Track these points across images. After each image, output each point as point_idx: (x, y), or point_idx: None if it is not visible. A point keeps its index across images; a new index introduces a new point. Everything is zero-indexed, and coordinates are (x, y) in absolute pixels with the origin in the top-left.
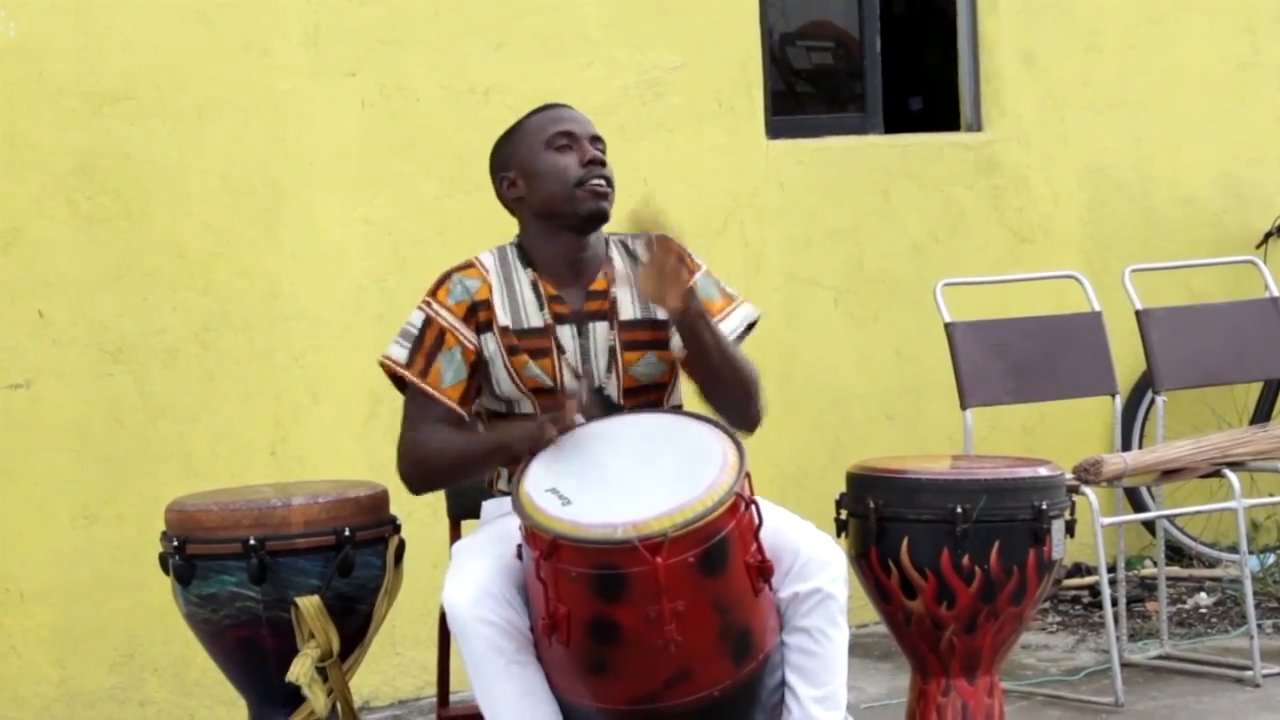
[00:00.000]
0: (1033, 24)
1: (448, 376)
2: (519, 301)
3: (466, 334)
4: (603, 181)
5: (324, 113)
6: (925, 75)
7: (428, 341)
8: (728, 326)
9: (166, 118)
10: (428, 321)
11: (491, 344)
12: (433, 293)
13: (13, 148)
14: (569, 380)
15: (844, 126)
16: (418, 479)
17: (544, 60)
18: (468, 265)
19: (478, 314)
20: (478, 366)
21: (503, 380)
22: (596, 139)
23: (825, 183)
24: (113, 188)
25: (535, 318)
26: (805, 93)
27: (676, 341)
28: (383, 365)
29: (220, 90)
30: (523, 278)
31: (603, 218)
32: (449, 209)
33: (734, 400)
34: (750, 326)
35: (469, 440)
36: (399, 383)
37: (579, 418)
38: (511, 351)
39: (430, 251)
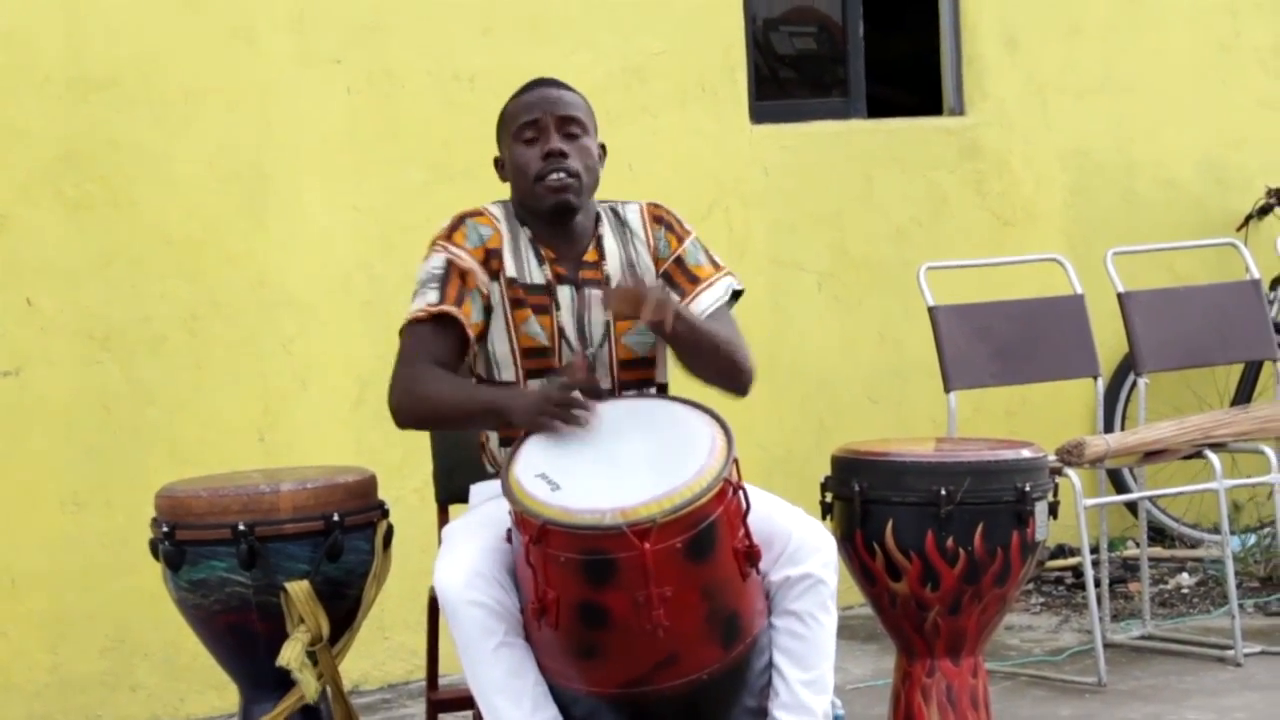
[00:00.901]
0: (1014, 8)
1: (476, 314)
2: (522, 256)
3: (483, 278)
4: (562, 175)
5: (310, 99)
6: (907, 59)
7: (455, 279)
8: (711, 296)
9: (153, 105)
10: (449, 263)
11: (497, 293)
12: (447, 236)
13: None
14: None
15: (827, 111)
16: (408, 413)
17: (529, 46)
18: (478, 212)
19: (490, 261)
20: (487, 314)
21: (498, 336)
22: (566, 120)
23: (809, 167)
24: (99, 175)
25: (537, 274)
26: (789, 78)
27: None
28: (415, 319)
29: (206, 77)
30: (523, 235)
31: (567, 210)
32: (436, 195)
33: (719, 371)
34: (736, 295)
35: (468, 394)
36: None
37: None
38: (515, 305)
39: (417, 238)
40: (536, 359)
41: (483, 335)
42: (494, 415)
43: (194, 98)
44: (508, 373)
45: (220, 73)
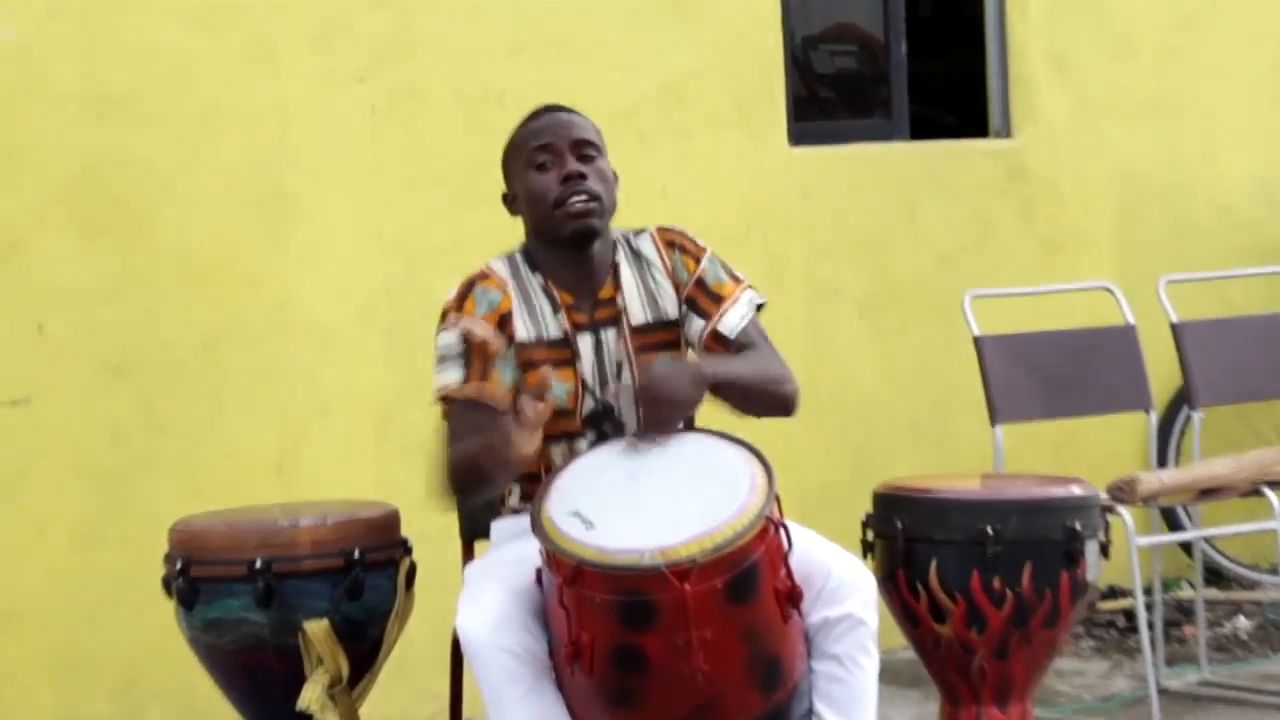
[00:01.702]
0: (1063, 26)
1: (506, 378)
2: (536, 310)
3: (501, 341)
4: (583, 197)
5: (333, 119)
6: (951, 79)
7: (475, 355)
8: (738, 313)
9: (170, 124)
10: (465, 339)
11: (512, 358)
12: (458, 306)
13: (11, 156)
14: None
15: (869, 132)
16: (463, 492)
17: (560, 65)
18: (484, 275)
19: (504, 328)
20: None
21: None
22: (580, 144)
23: (849, 191)
24: (115, 197)
25: (554, 327)
26: (829, 98)
27: (694, 328)
28: (442, 400)
29: (226, 96)
30: (534, 284)
31: (590, 234)
32: (462, 219)
33: (765, 404)
34: (758, 307)
35: (477, 443)
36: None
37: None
38: (526, 367)
39: (443, 262)
40: (555, 420)
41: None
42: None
43: (213, 117)
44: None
45: (240, 91)
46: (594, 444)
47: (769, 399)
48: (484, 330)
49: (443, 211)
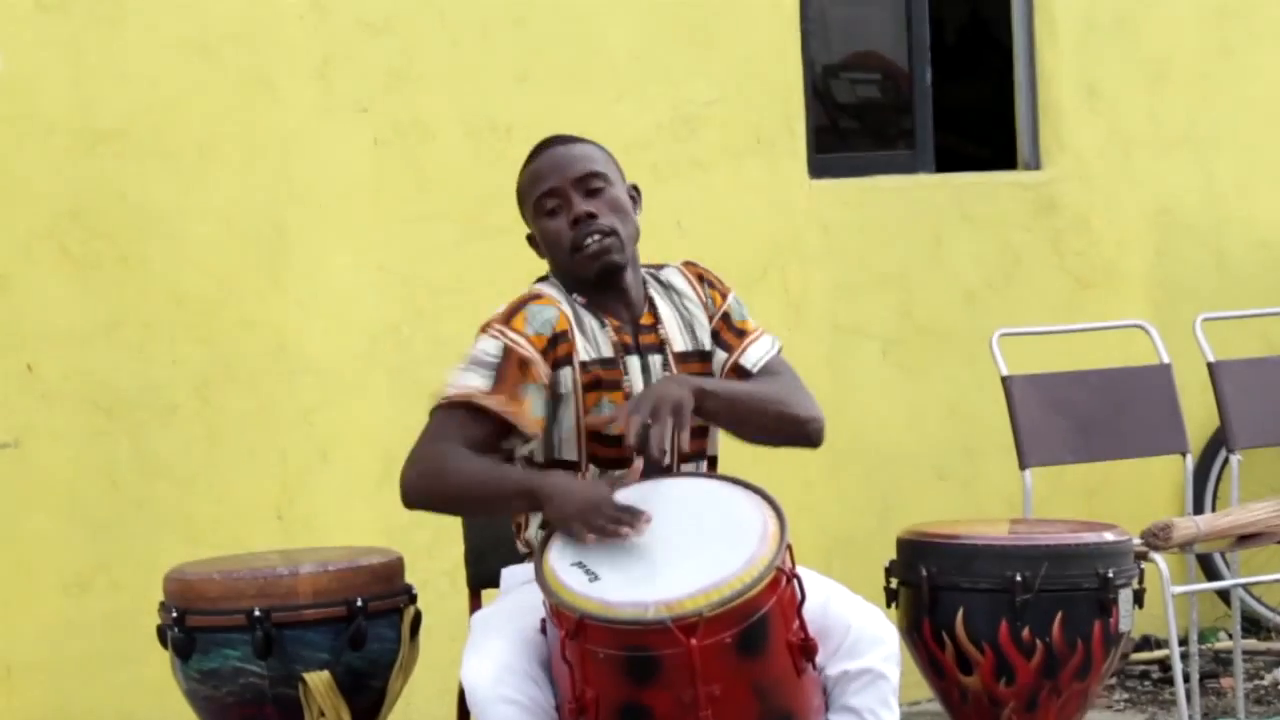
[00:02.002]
0: (1095, 54)
1: (536, 409)
2: (589, 331)
3: (544, 369)
4: (596, 237)
5: (334, 151)
6: (978, 109)
7: (512, 371)
8: (760, 349)
9: (165, 157)
10: (507, 351)
11: (568, 380)
12: (505, 320)
13: (0, 189)
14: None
15: (892, 165)
16: (423, 493)
17: (570, 95)
18: (537, 295)
19: (557, 347)
20: (552, 403)
21: (565, 419)
22: (584, 180)
23: (872, 225)
24: (107, 232)
25: (606, 347)
26: (850, 129)
27: (716, 360)
28: (453, 402)
29: (222, 128)
30: (580, 306)
31: (615, 270)
32: (468, 254)
33: (777, 432)
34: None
35: (500, 475)
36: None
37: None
38: (589, 388)
39: (448, 300)
40: (607, 446)
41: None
42: (527, 500)
43: (209, 149)
44: (569, 452)
45: (237, 123)
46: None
47: (777, 423)
48: (528, 350)
49: (448, 246)
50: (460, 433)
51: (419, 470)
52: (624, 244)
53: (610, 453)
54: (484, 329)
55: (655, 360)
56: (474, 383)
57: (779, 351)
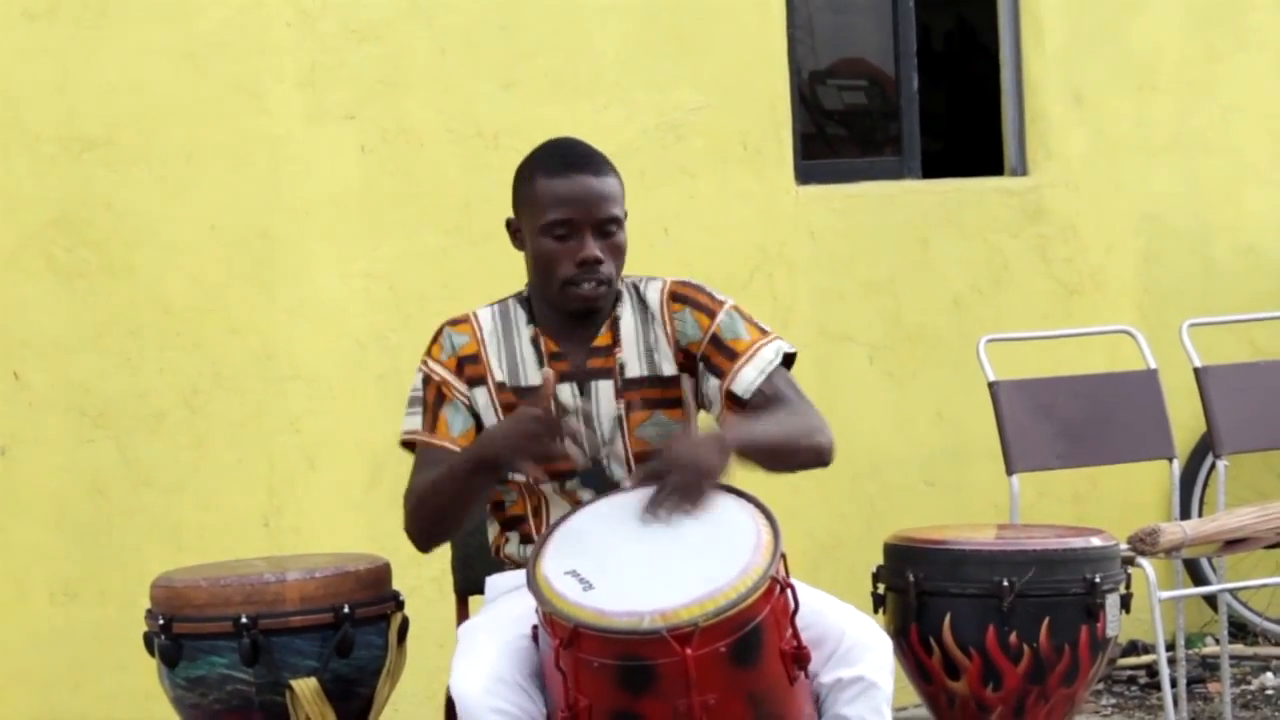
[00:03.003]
0: (1082, 61)
1: (456, 425)
2: (517, 356)
3: (460, 387)
4: (593, 285)
5: (321, 158)
6: (965, 115)
7: (430, 399)
8: (754, 369)
9: (151, 164)
10: (426, 380)
11: (483, 398)
12: (428, 351)
13: None
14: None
15: (879, 171)
16: (421, 534)
17: (556, 101)
18: (461, 320)
19: (465, 368)
20: (477, 419)
21: None
22: (605, 223)
23: (859, 231)
24: (94, 240)
25: (534, 375)
26: (837, 135)
27: (710, 387)
28: (405, 444)
29: (209, 135)
30: (524, 333)
31: (591, 313)
32: (455, 260)
33: (797, 463)
34: (789, 358)
35: (451, 468)
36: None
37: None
38: (508, 408)
39: (435, 306)
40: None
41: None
42: (480, 469)
43: (195, 157)
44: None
45: (224, 130)
46: (582, 485)
47: (800, 455)
48: (442, 373)
49: (435, 253)
50: (429, 469)
51: (409, 516)
52: (610, 291)
53: (555, 468)
54: (421, 360)
55: (602, 386)
56: (413, 424)
57: (780, 362)
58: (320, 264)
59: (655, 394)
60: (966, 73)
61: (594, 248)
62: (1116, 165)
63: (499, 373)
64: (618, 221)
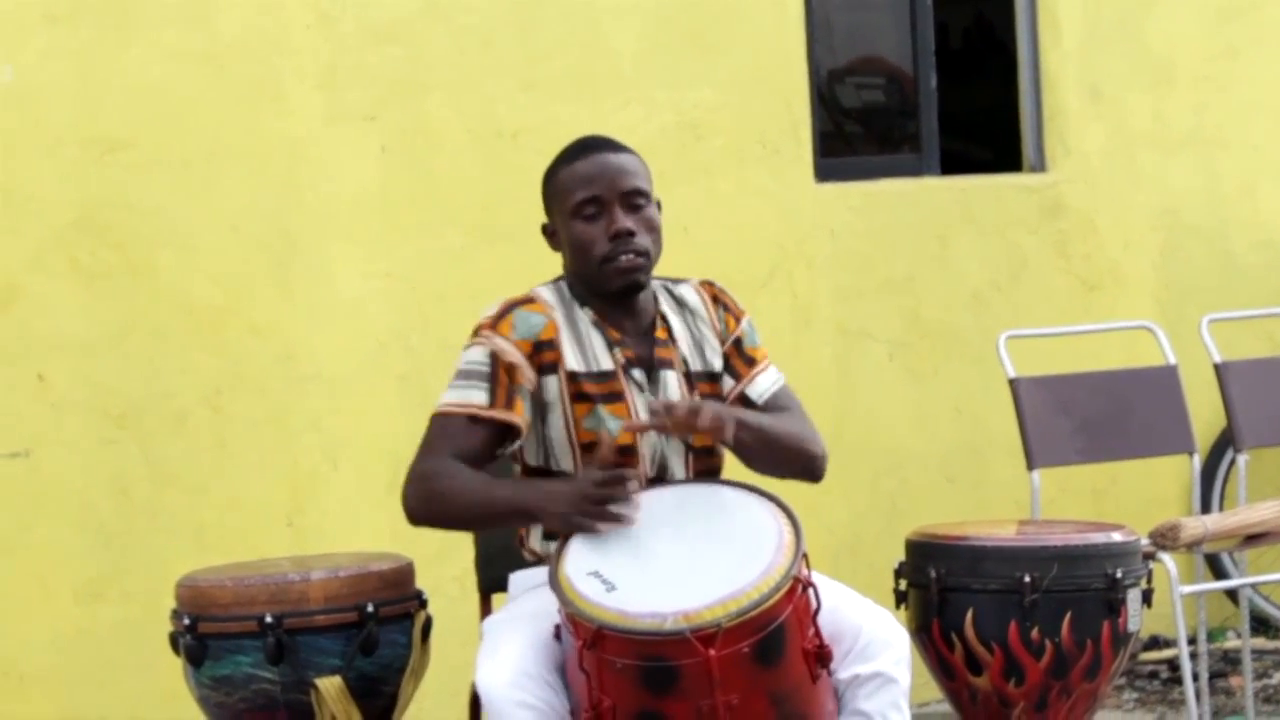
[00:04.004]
0: (1099, 57)
1: (528, 413)
2: (585, 341)
3: (529, 374)
4: (630, 256)
5: (341, 159)
6: (983, 112)
7: (503, 376)
8: (769, 378)
9: (173, 166)
10: (494, 356)
11: (554, 388)
12: (493, 325)
13: (9, 199)
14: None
15: (898, 168)
16: (423, 512)
17: (576, 101)
18: (528, 300)
19: (542, 354)
20: (534, 410)
21: (555, 430)
22: (630, 194)
23: (878, 229)
24: (116, 241)
25: (605, 360)
26: (855, 133)
27: (724, 387)
28: (450, 413)
29: (230, 136)
30: (583, 316)
31: (635, 289)
32: (476, 260)
33: (791, 468)
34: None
35: (492, 493)
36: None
37: (633, 484)
38: (577, 398)
39: (456, 306)
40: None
41: (538, 424)
42: (522, 517)
43: (217, 158)
44: (565, 462)
45: (244, 131)
46: (652, 482)
47: (794, 458)
48: (514, 355)
49: (455, 253)
50: (454, 444)
51: (418, 492)
52: (650, 265)
53: (620, 461)
54: (474, 333)
55: (669, 375)
56: (474, 398)
57: (784, 384)
58: (341, 264)
59: (707, 389)
60: (984, 70)
61: (624, 220)
62: (1135, 161)
63: (571, 359)
64: (644, 194)
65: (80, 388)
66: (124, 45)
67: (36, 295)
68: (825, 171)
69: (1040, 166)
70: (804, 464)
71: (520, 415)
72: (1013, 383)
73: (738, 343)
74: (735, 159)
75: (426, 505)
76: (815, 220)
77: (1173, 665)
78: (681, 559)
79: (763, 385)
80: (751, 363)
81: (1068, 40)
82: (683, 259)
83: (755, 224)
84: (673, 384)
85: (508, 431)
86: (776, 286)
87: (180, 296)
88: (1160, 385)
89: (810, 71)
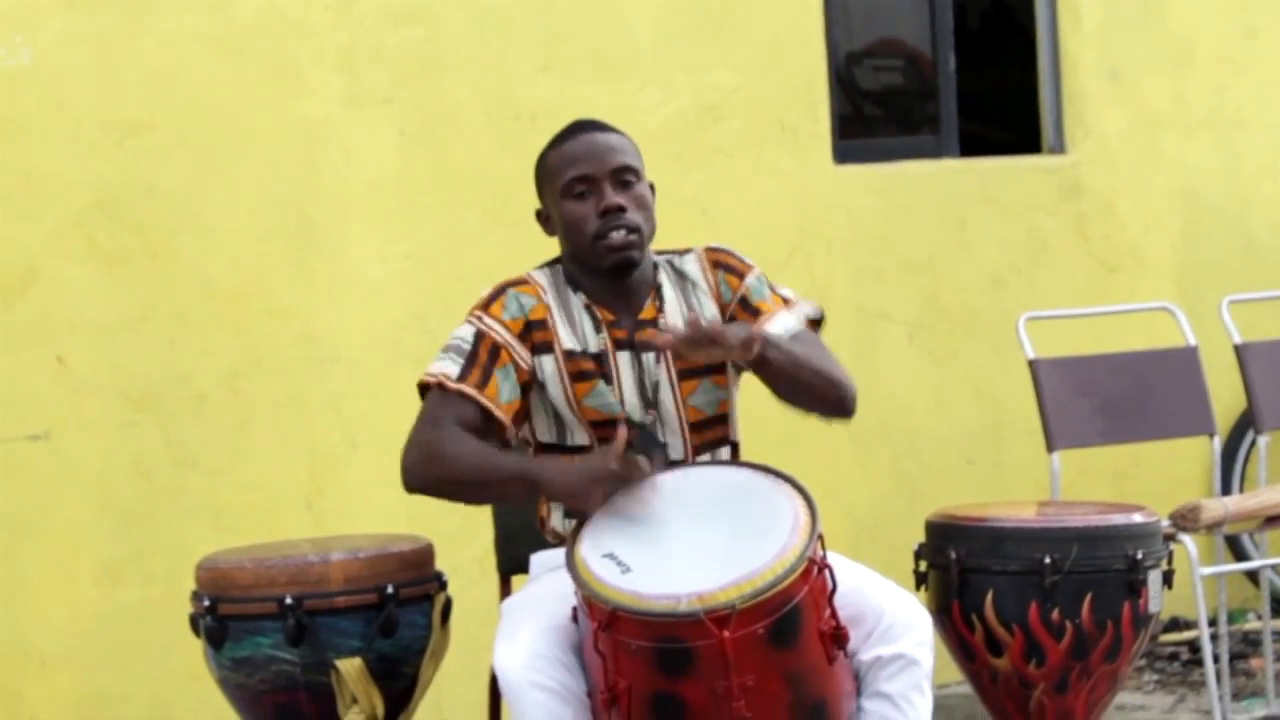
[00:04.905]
0: (1119, 38)
1: (505, 393)
2: (577, 323)
3: (521, 353)
4: (622, 232)
5: (360, 142)
6: (1002, 94)
7: (482, 356)
8: (780, 324)
9: (192, 149)
10: (480, 335)
11: (549, 366)
12: (484, 306)
13: (29, 182)
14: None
15: (917, 150)
16: (422, 477)
17: (594, 83)
18: (521, 281)
19: (533, 333)
20: (528, 389)
21: (562, 408)
22: (618, 171)
23: (897, 210)
24: (135, 224)
25: (594, 342)
26: (874, 115)
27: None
28: (425, 383)
29: (249, 119)
30: (576, 300)
31: (629, 267)
32: (494, 242)
33: (819, 397)
34: (816, 325)
35: (496, 460)
36: (424, 392)
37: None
38: (578, 377)
39: (474, 288)
40: (610, 429)
41: (523, 413)
42: (524, 485)
43: (236, 141)
44: (580, 437)
45: (264, 114)
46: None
47: (824, 387)
48: (504, 335)
49: (474, 235)
50: (452, 414)
51: (417, 455)
52: (643, 242)
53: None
54: (469, 313)
55: (649, 355)
56: (446, 368)
57: (806, 325)
58: (360, 246)
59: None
60: (1003, 51)
61: (614, 196)
62: (1154, 142)
63: (566, 339)
64: (634, 171)
65: (100, 370)
66: (143, 27)
67: (56, 278)
68: (844, 153)
69: (1060, 148)
70: (835, 396)
71: (490, 398)
72: (1032, 364)
73: (744, 300)
74: (754, 141)
75: (424, 468)
76: (834, 202)
77: (1193, 647)
78: (697, 541)
79: (784, 323)
80: (757, 314)
81: (1087, 21)
82: (701, 240)
83: (774, 206)
84: (650, 365)
85: (490, 417)
86: (795, 268)
87: (200, 279)
88: (1180, 367)
89: (829, 53)
